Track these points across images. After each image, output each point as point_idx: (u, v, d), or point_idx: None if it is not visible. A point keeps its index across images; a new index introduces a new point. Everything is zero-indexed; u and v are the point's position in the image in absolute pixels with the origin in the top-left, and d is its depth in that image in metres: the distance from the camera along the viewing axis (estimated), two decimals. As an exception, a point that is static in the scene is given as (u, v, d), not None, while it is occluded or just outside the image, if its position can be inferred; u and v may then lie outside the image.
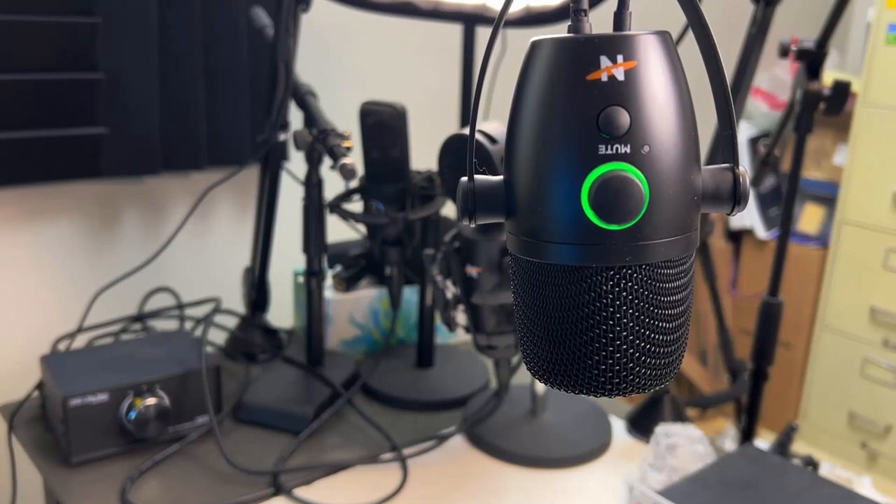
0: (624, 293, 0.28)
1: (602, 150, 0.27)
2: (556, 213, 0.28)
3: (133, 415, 0.88)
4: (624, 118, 0.27)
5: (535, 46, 0.29)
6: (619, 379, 0.29)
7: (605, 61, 0.27)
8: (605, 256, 0.27)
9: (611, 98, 0.27)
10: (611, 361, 0.28)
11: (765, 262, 2.32)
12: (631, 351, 0.28)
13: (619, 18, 0.29)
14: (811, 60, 0.99)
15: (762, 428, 2.26)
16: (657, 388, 0.30)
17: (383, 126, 0.96)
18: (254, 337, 1.17)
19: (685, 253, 0.29)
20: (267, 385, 1.02)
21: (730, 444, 1.89)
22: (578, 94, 0.27)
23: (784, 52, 1.00)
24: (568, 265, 0.28)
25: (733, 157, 0.30)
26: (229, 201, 1.40)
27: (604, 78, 0.27)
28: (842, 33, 2.55)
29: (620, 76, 0.27)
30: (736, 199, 0.30)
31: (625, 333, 0.28)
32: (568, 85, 0.27)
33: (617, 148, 0.27)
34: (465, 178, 0.30)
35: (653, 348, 0.29)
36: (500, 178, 0.30)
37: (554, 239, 0.28)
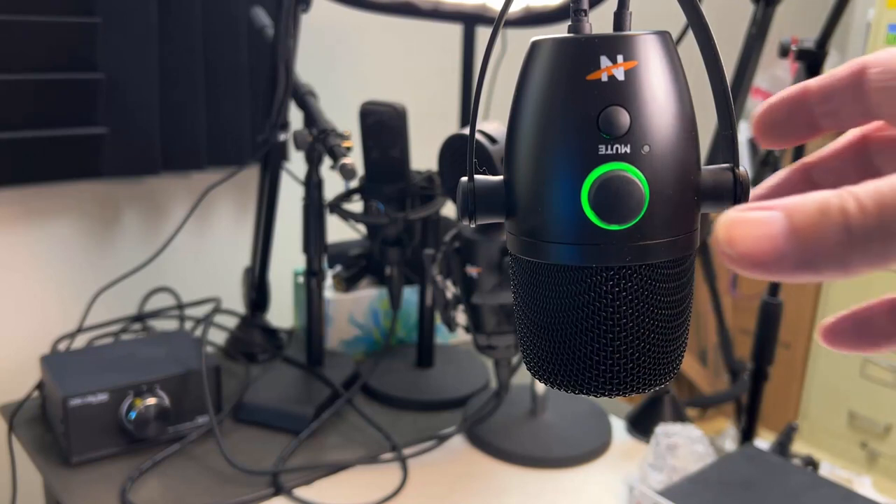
0: (623, 293, 0.28)
1: (602, 150, 0.27)
2: (556, 213, 0.28)
3: (133, 415, 0.88)
4: (624, 118, 0.27)
5: (534, 46, 0.29)
6: (619, 379, 0.29)
7: (604, 61, 0.27)
8: (606, 256, 0.27)
9: (611, 98, 0.27)
10: (610, 361, 0.28)
11: (765, 262, 2.31)
12: (630, 351, 0.28)
13: (619, 18, 0.29)
14: (811, 60, 0.99)
15: (762, 428, 2.26)
16: (657, 388, 0.30)
17: (383, 126, 0.96)
18: (254, 337, 1.17)
19: (685, 253, 0.29)
20: (267, 385, 1.02)
21: (730, 444, 1.88)
22: (578, 94, 0.27)
23: (784, 52, 1.00)
24: (568, 265, 0.28)
25: (733, 157, 0.30)
26: (229, 201, 1.40)
27: (604, 78, 0.27)
28: (842, 33, 2.55)
29: (620, 76, 0.27)
30: (736, 199, 0.30)
31: (623, 334, 0.28)
32: (568, 85, 0.27)
33: (617, 148, 0.27)
34: (464, 178, 0.30)
35: (652, 348, 0.29)
36: (500, 178, 0.30)
37: (554, 239, 0.28)
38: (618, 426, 1.01)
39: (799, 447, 1.85)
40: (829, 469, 1.99)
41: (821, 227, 0.22)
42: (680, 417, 1.01)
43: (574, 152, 0.27)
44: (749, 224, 0.23)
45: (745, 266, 0.23)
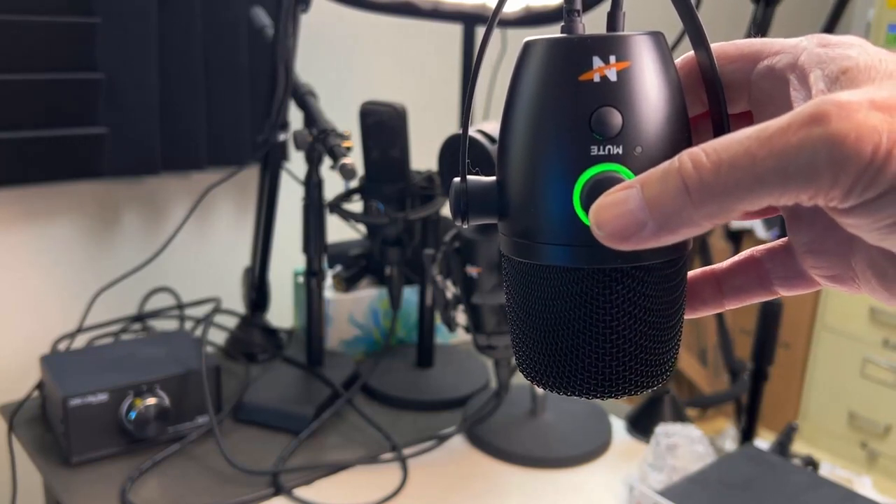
0: (615, 295, 0.28)
1: (594, 150, 0.27)
2: (548, 214, 0.28)
3: (133, 415, 0.88)
4: (616, 119, 0.27)
5: (527, 47, 0.29)
6: (611, 381, 0.28)
7: (597, 62, 0.27)
8: (598, 258, 0.27)
9: (603, 99, 0.27)
10: (602, 364, 0.28)
11: (766, 262, 2.31)
12: (623, 353, 0.28)
13: (613, 19, 0.29)
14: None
15: (762, 428, 2.26)
16: (652, 390, 0.30)
17: (383, 126, 0.96)
18: (254, 337, 1.17)
19: (679, 254, 0.29)
20: (267, 385, 1.02)
21: (730, 444, 1.88)
22: (570, 95, 0.27)
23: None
24: (560, 266, 0.28)
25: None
26: (229, 201, 1.40)
27: (596, 78, 0.27)
28: (842, 33, 2.55)
29: (613, 77, 0.27)
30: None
31: (615, 336, 0.28)
32: (560, 85, 0.27)
33: (609, 149, 0.27)
34: (457, 179, 0.30)
35: (645, 351, 0.28)
36: (493, 178, 0.30)
37: (546, 240, 0.28)
38: (618, 426, 1.01)
39: (799, 447, 1.85)
40: (829, 469, 1.99)
41: (665, 192, 0.24)
42: (680, 417, 1.01)
43: (566, 153, 0.27)
44: (611, 205, 0.25)
45: (616, 242, 0.25)
